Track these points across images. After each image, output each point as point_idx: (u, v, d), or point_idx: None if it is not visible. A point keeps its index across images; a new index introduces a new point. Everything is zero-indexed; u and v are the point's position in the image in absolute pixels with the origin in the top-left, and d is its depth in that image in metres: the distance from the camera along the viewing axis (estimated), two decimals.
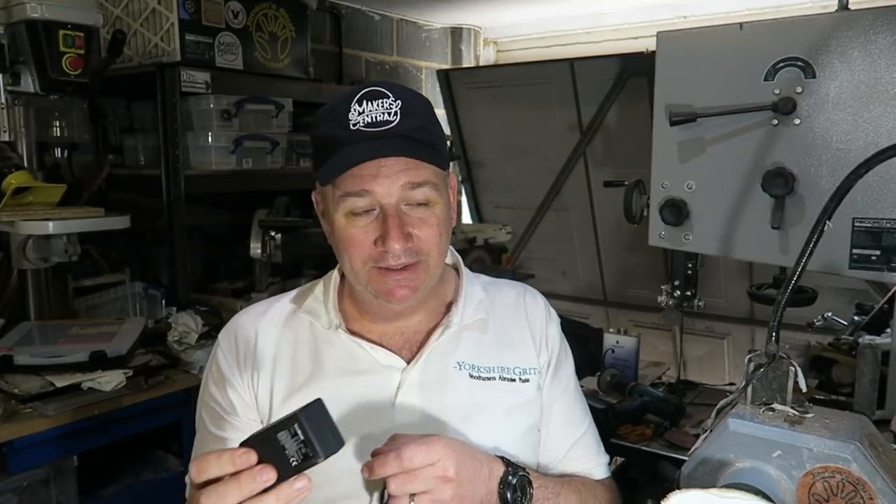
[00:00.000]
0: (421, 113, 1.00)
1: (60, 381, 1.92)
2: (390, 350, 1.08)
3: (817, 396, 1.78)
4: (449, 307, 1.12)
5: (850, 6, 1.47)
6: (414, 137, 0.97)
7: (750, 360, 1.07)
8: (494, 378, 1.09)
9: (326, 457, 0.76)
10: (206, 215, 2.99)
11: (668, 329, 3.93)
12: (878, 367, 1.57)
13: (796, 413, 0.98)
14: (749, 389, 1.05)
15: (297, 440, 0.75)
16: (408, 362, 1.07)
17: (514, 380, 1.10)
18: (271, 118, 2.86)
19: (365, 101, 0.97)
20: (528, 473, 0.99)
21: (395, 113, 0.96)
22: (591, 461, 1.17)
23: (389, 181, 0.96)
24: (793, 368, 1.02)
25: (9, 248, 2.22)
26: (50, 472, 1.92)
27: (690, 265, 1.76)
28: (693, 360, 4.03)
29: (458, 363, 1.08)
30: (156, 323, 2.43)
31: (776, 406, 1.01)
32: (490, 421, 1.07)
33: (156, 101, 2.57)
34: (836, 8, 1.47)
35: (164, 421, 2.13)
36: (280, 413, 1.05)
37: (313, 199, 1.09)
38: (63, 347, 2.02)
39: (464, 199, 4.58)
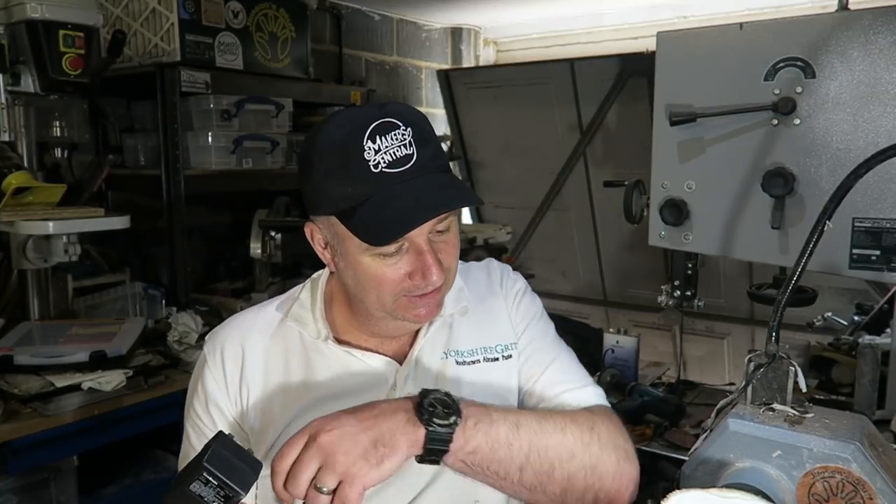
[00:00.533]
0: (429, 135, 0.98)
1: (60, 381, 1.92)
2: (383, 354, 1.08)
3: (817, 396, 1.78)
4: None
5: (850, 6, 1.47)
6: (439, 170, 0.97)
7: (750, 360, 1.07)
8: (479, 360, 1.10)
9: (248, 490, 0.77)
10: (206, 215, 3.00)
11: (668, 329, 3.93)
12: (878, 367, 1.57)
13: (796, 413, 0.98)
14: (749, 389, 1.05)
15: (213, 486, 0.76)
16: (400, 362, 1.07)
17: (496, 358, 1.10)
18: (271, 118, 2.86)
19: (378, 137, 0.92)
20: (449, 394, 0.92)
21: (410, 143, 0.94)
22: (567, 386, 1.09)
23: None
24: (793, 368, 1.02)
25: (9, 248, 2.21)
26: (50, 472, 1.92)
27: (690, 265, 1.76)
28: (693, 360, 4.03)
29: (445, 352, 1.09)
30: (156, 323, 2.43)
31: (776, 406, 1.01)
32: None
33: (156, 101, 2.57)
34: (836, 8, 1.47)
35: (164, 421, 2.13)
36: (283, 427, 1.04)
37: (307, 232, 1.04)
38: (63, 347, 2.02)
39: None
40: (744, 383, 1.06)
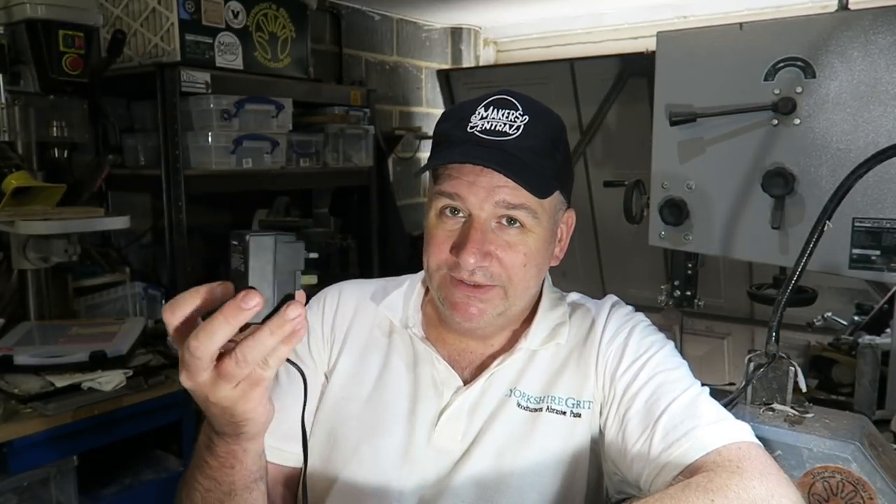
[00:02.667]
0: (545, 136, 0.95)
1: (60, 381, 1.92)
2: (453, 367, 1.02)
3: (817, 396, 1.77)
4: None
5: (850, 6, 1.47)
6: (523, 158, 0.91)
7: (750, 360, 1.07)
8: (541, 409, 0.98)
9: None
10: (206, 215, 2.99)
11: (668, 329, 3.92)
12: (878, 367, 1.57)
13: (796, 413, 0.98)
14: (749, 389, 1.05)
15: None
16: (465, 383, 1.01)
17: (563, 412, 0.98)
18: (271, 118, 2.86)
19: (492, 108, 0.94)
20: None
21: (518, 128, 0.92)
22: (679, 433, 0.86)
23: (486, 193, 0.92)
24: (793, 368, 1.02)
25: (9, 248, 2.21)
26: (50, 472, 1.92)
27: (690, 265, 1.76)
28: (693, 360, 4.01)
29: (511, 390, 1.00)
30: (156, 323, 2.43)
31: (776, 406, 1.02)
32: (527, 458, 0.96)
33: (156, 101, 2.57)
34: (836, 8, 1.47)
35: (164, 421, 2.12)
36: (334, 388, 1.06)
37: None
38: (63, 347, 2.02)
39: None
40: (744, 383, 1.06)
